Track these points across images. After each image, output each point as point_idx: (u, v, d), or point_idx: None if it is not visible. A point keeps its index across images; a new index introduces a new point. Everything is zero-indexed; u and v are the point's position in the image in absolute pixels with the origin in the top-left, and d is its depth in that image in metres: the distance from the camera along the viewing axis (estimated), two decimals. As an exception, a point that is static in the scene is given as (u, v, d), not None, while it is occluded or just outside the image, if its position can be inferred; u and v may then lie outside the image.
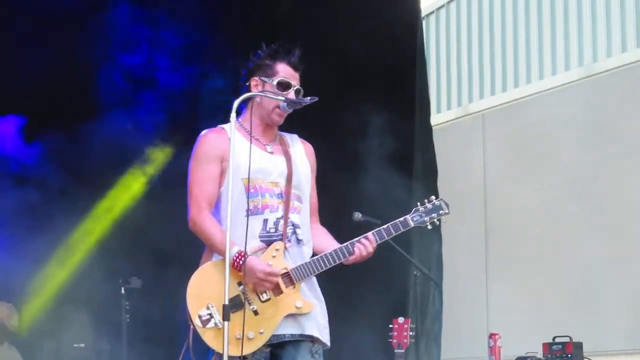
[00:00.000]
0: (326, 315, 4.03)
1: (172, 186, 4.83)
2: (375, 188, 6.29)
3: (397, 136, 6.45)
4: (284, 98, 3.93)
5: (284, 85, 4.00)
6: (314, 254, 3.99)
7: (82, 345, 6.78)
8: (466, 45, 9.12)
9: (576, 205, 7.81)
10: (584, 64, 7.97)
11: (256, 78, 4.00)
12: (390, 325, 5.31)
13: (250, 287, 3.88)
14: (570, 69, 8.10)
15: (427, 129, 7.06)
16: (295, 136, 4.14)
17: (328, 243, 4.03)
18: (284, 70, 4.02)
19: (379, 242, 3.95)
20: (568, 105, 7.87)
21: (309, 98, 3.94)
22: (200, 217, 3.89)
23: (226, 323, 3.64)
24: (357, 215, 5.58)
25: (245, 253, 3.78)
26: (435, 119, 8.88)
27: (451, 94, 9.21)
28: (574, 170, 7.80)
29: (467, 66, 9.09)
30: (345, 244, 3.93)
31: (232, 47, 5.63)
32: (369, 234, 3.93)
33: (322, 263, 3.93)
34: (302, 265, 3.93)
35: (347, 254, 3.92)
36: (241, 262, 3.80)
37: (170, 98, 6.79)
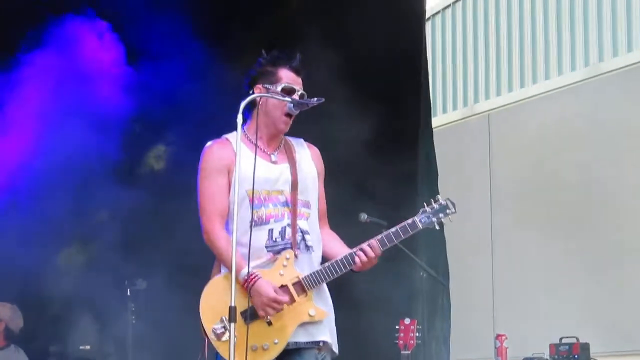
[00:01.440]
0: (333, 321, 4.05)
1: (180, 187, 4.91)
2: (378, 190, 6.32)
3: (399, 137, 6.50)
4: (290, 99, 3.95)
5: (287, 91, 4.01)
6: (324, 260, 4.01)
7: (88, 347, 6.73)
8: (472, 45, 9.14)
9: (585, 205, 7.75)
10: (590, 64, 7.98)
11: (259, 86, 4.00)
12: (397, 326, 5.33)
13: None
14: (576, 69, 8.11)
15: (429, 130, 7.07)
16: (301, 140, 4.16)
17: (337, 249, 4.04)
18: (286, 76, 4.03)
19: (387, 247, 3.96)
20: (574, 105, 7.87)
21: (315, 99, 3.96)
22: (214, 232, 3.93)
23: (232, 325, 3.67)
24: (363, 216, 5.57)
25: (256, 276, 3.82)
26: (440, 119, 9.07)
27: (457, 93, 9.23)
28: (581, 171, 7.74)
29: (473, 66, 9.10)
30: (349, 252, 3.95)
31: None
32: (372, 241, 3.95)
33: (332, 271, 3.95)
34: (314, 273, 3.94)
35: (351, 263, 3.94)
36: (251, 284, 3.84)
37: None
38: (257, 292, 3.82)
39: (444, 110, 9.29)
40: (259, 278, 3.81)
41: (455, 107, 9.28)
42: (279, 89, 3.97)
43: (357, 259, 3.88)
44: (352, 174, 6.36)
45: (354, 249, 3.93)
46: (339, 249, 4.03)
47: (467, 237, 8.16)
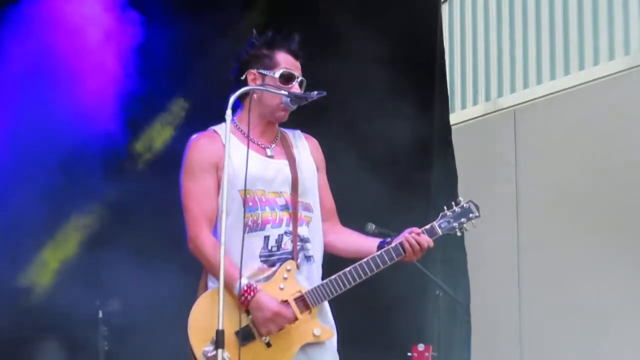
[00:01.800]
0: (336, 343, 3.98)
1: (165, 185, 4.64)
2: (389, 195, 6.09)
3: (413, 137, 6.26)
4: (287, 93, 3.81)
5: (286, 78, 3.89)
6: (341, 263, 3.89)
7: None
8: (495, 32, 8.60)
9: (620, 210, 7.28)
10: (630, 53, 7.56)
11: (253, 71, 3.88)
12: (409, 354, 5.18)
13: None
14: (615, 58, 7.64)
15: (447, 128, 6.82)
16: (298, 132, 4.04)
17: (361, 243, 3.94)
18: (285, 61, 3.91)
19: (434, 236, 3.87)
20: (612, 98, 7.39)
21: (315, 92, 3.83)
22: (200, 238, 3.80)
23: (220, 352, 3.51)
24: (371, 227, 5.34)
25: (255, 288, 3.71)
26: (459, 115, 8.82)
27: (478, 87, 8.76)
28: (621, 172, 7.27)
29: (497, 55, 8.59)
30: (387, 247, 3.81)
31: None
32: (414, 229, 3.84)
33: (348, 278, 3.82)
34: (319, 287, 3.83)
35: (395, 255, 3.83)
36: (249, 297, 3.72)
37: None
38: (257, 307, 3.73)
39: (463, 106, 8.86)
40: (258, 290, 3.72)
41: (476, 102, 8.78)
42: (277, 75, 3.85)
43: (407, 245, 3.80)
44: (355, 178, 6.05)
45: (390, 244, 3.82)
46: (364, 241, 3.94)
47: (489, 248, 7.84)
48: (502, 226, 7.99)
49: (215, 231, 3.82)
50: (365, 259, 3.82)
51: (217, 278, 3.62)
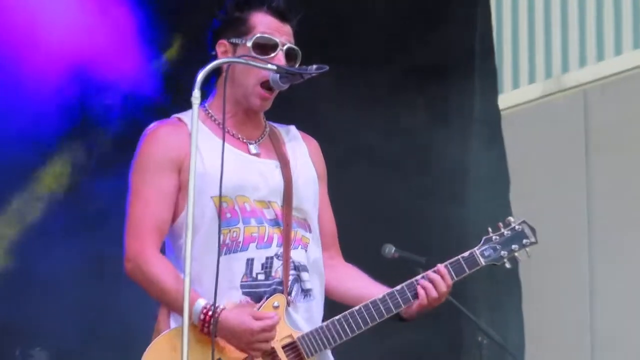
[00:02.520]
0: None
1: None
2: (414, 207, 5.86)
3: (442, 125, 6.02)
4: (275, 67, 3.50)
5: (262, 46, 3.60)
6: (334, 309, 3.70)
7: None
8: None
9: None
10: None
11: (223, 41, 3.65)
12: None
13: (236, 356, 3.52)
14: None
15: (493, 115, 6.64)
16: (292, 128, 3.82)
17: (368, 289, 3.69)
18: (262, 23, 3.63)
19: (456, 279, 3.65)
20: None
21: (314, 67, 3.53)
22: (144, 255, 3.51)
23: None
24: (389, 250, 5.23)
25: (215, 306, 3.39)
26: (510, 97, 8.00)
27: (535, 61, 8.11)
28: None
29: (560, 20, 7.95)
30: (401, 285, 3.60)
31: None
32: (439, 266, 3.62)
33: (351, 324, 3.58)
34: (317, 330, 3.58)
35: (409, 299, 3.60)
36: (212, 321, 3.41)
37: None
38: (229, 330, 3.43)
39: (515, 85, 8.18)
40: (222, 309, 3.41)
41: (532, 80, 8.10)
42: (249, 43, 3.58)
43: (421, 291, 3.58)
44: (367, 184, 5.87)
45: (404, 284, 3.59)
46: (372, 287, 3.69)
47: (553, 279, 7.26)
48: (570, 245, 7.48)
49: (169, 253, 3.59)
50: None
51: (170, 307, 3.46)
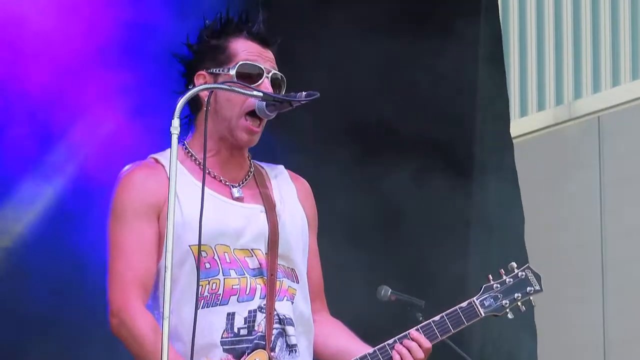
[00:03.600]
0: None
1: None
2: (413, 246, 5.71)
3: (444, 158, 5.85)
4: (262, 94, 3.38)
5: (246, 74, 3.46)
6: None
7: None
8: (570, 12, 7.86)
9: None
10: None
11: (202, 72, 3.49)
12: None
13: None
14: None
15: (506, 142, 6.40)
16: (281, 168, 3.68)
17: (350, 347, 3.58)
18: (244, 49, 3.50)
19: (434, 341, 3.51)
20: None
21: (304, 93, 3.40)
22: (130, 311, 3.37)
23: None
24: (385, 292, 5.14)
25: None
26: (519, 126, 7.88)
27: (545, 87, 8.05)
28: None
29: (573, 45, 7.85)
30: (376, 346, 3.49)
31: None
32: (412, 331, 3.50)
33: None
34: None
35: None
36: None
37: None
38: None
39: (523, 113, 8.13)
40: None
41: (542, 107, 8.06)
42: (232, 71, 3.46)
43: (396, 356, 3.47)
44: (357, 217, 5.69)
45: (379, 346, 3.49)
46: (353, 347, 3.57)
47: (568, 324, 7.07)
48: (584, 279, 7.35)
49: (151, 306, 3.51)
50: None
51: None
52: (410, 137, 5.92)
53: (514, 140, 6.74)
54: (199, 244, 3.40)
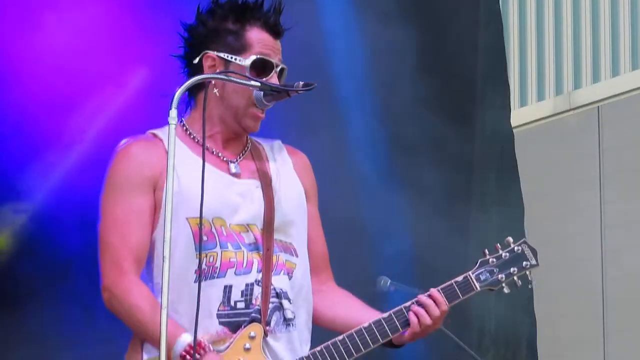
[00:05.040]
0: None
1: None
2: (416, 234, 5.67)
3: (451, 152, 5.81)
4: (259, 83, 3.41)
5: (261, 68, 3.46)
6: (322, 337, 3.59)
7: None
8: (570, 1, 8.01)
9: None
10: None
11: (212, 54, 3.46)
12: None
13: None
14: None
15: (506, 132, 6.38)
16: (278, 143, 3.67)
17: (362, 313, 3.55)
18: (260, 41, 3.48)
19: (452, 303, 3.52)
20: None
21: (301, 83, 3.44)
22: (122, 283, 3.36)
23: None
24: (385, 282, 5.11)
25: (201, 346, 3.29)
26: (518, 116, 7.80)
27: (544, 76, 8.12)
28: None
29: (572, 35, 7.92)
30: (391, 311, 3.47)
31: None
32: (432, 290, 3.49)
33: (333, 354, 3.46)
34: None
35: (397, 328, 3.46)
36: None
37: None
38: None
39: (522, 103, 8.21)
40: (208, 352, 3.31)
41: (541, 97, 8.13)
42: (247, 62, 3.42)
43: (413, 318, 3.46)
44: (360, 204, 5.66)
45: (394, 310, 3.47)
46: (366, 313, 3.53)
47: (567, 305, 7.09)
48: (584, 266, 7.38)
49: (145, 277, 3.50)
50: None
51: (147, 339, 3.37)
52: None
53: (513, 130, 6.79)
54: (200, 218, 3.41)
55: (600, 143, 7.56)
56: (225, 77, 3.42)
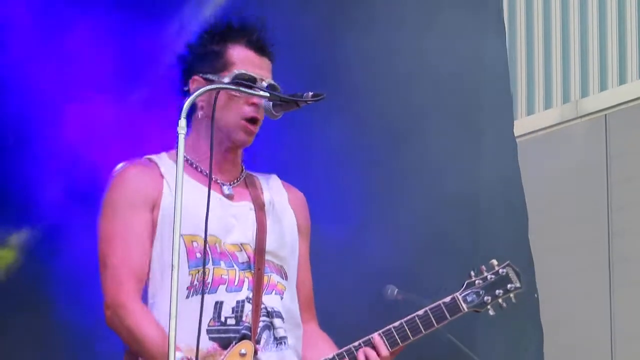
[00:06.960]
0: None
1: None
2: (418, 248, 5.54)
3: (454, 163, 5.70)
4: (268, 94, 3.43)
5: (244, 85, 3.50)
6: None
7: None
8: (577, 10, 7.84)
9: None
10: None
11: (197, 77, 3.54)
12: None
13: None
14: None
15: (509, 142, 6.34)
16: (274, 177, 3.74)
17: (321, 353, 3.62)
18: (241, 58, 3.54)
19: (405, 342, 3.54)
20: None
21: (311, 94, 3.45)
22: (122, 303, 3.43)
23: None
24: (392, 291, 5.15)
25: None
26: (524, 124, 7.85)
27: (551, 85, 7.99)
28: None
29: (580, 43, 7.84)
30: (341, 350, 3.57)
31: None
32: (374, 335, 3.56)
33: None
34: None
35: None
36: None
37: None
38: None
39: (530, 111, 8.10)
40: None
41: (548, 105, 7.99)
42: (226, 80, 3.50)
43: (361, 356, 3.53)
44: (358, 213, 5.55)
45: (346, 348, 3.56)
46: (325, 353, 3.61)
47: (574, 313, 7.01)
48: (591, 276, 7.29)
49: (145, 295, 3.54)
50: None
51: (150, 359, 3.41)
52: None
53: (520, 139, 6.76)
54: (205, 237, 3.43)
55: (608, 151, 7.50)
56: (235, 87, 3.45)
